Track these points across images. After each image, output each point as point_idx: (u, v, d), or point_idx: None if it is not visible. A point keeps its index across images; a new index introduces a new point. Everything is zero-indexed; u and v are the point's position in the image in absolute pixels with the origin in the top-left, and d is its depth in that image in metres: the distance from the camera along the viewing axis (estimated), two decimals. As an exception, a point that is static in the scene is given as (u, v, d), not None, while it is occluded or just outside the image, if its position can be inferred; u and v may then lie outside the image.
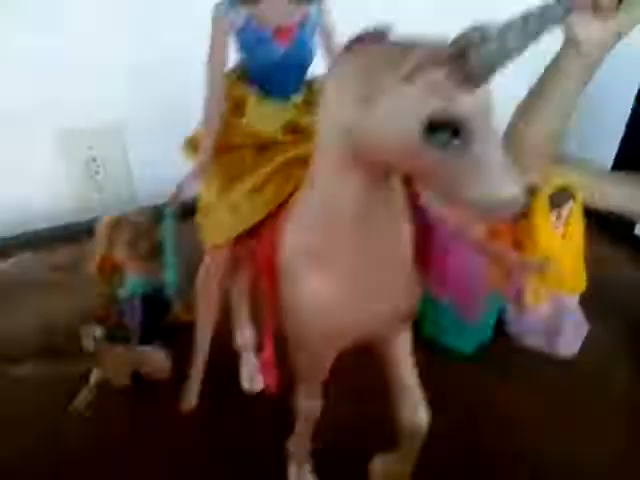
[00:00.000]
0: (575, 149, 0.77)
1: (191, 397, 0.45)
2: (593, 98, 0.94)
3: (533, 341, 0.71)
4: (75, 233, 0.90)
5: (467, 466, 0.58)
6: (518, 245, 0.66)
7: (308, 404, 0.49)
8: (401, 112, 0.29)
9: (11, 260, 0.84)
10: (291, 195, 0.41)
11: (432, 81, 0.28)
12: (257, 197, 0.42)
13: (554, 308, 0.69)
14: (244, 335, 0.65)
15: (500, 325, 0.73)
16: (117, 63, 0.88)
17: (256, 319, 0.66)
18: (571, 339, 0.70)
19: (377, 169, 0.33)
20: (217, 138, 0.42)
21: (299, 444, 0.53)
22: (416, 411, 0.45)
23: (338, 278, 0.38)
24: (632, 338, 0.73)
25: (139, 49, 0.87)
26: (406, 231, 0.38)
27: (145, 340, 0.65)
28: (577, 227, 0.66)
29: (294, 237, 0.41)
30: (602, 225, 0.75)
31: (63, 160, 0.94)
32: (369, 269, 0.38)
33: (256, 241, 0.44)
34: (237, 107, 0.45)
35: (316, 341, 0.42)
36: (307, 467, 0.55)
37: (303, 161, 0.41)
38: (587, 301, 0.72)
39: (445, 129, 0.28)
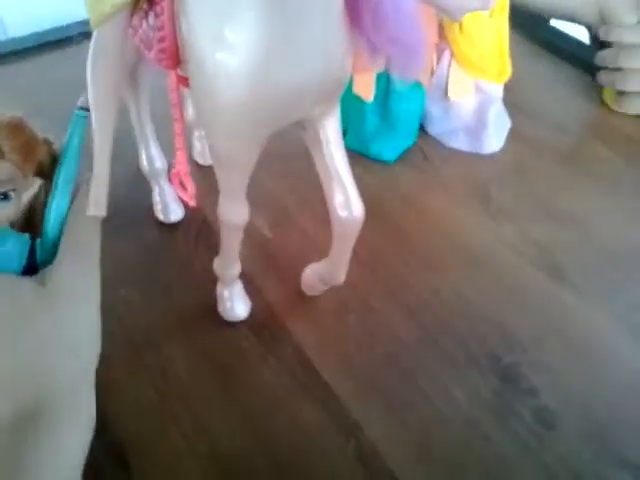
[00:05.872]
0: None
1: (100, 206, 0.39)
2: None
3: (456, 142, 0.68)
4: None
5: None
6: (440, 25, 0.61)
7: (230, 211, 0.43)
8: None
9: None
10: None
11: None
12: None
13: (479, 100, 0.65)
14: (152, 161, 0.56)
15: (422, 128, 0.69)
16: None
17: (163, 139, 0.56)
18: (496, 134, 0.67)
19: None
20: None
21: (227, 263, 0.48)
22: (350, 202, 0.41)
23: (254, 36, 0.31)
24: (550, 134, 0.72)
25: None
26: None
27: None
28: (503, 3, 0.60)
29: None
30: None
31: None
32: (292, 21, 0.31)
33: (156, 8, 0.36)
34: None
35: (236, 125, 0.36)
36: (238, 288, 0.50)
37: None
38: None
39: None
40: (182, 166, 0.43)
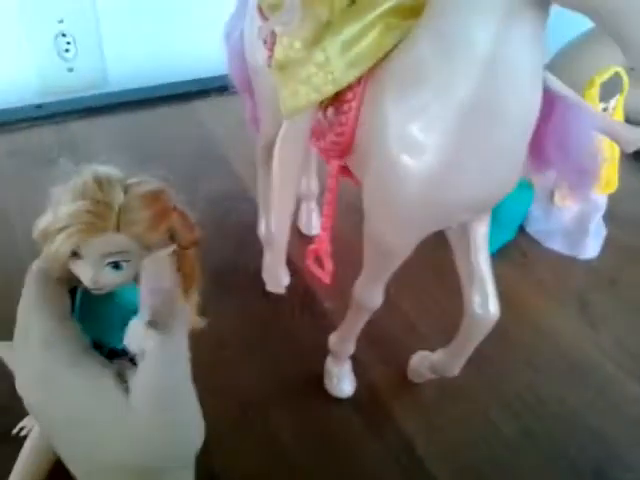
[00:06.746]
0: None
1: (279, 284, 0.41)
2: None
3: (554, 243, 0.69)
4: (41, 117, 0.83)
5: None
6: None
7: (369, 294, 0.45)
8: None
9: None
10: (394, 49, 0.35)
11: None
12: (352, 50, 0.35)
13: (583, 207, 0.66)
14: (310, 185, 0.63)
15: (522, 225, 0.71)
16: None
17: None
18: (594, 241, 0.68)
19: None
20: None
21: (345, 340, 0.49)
22: (488, 301, 0.42)
23: (445, 142, 0.33)
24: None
25: None
26: (539, 90, 0.34)
27: None
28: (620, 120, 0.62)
29: (395, 91, 0.35)
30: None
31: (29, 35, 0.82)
32: (483, 132, 0.33)
33: (343, 106, 0.38)
34: None
35: (406, 220, 0.38)
36: (347, 366, 0.51)
37: (410, 10, 0.34)
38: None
39: None
40: (324, 245, 0.45)
